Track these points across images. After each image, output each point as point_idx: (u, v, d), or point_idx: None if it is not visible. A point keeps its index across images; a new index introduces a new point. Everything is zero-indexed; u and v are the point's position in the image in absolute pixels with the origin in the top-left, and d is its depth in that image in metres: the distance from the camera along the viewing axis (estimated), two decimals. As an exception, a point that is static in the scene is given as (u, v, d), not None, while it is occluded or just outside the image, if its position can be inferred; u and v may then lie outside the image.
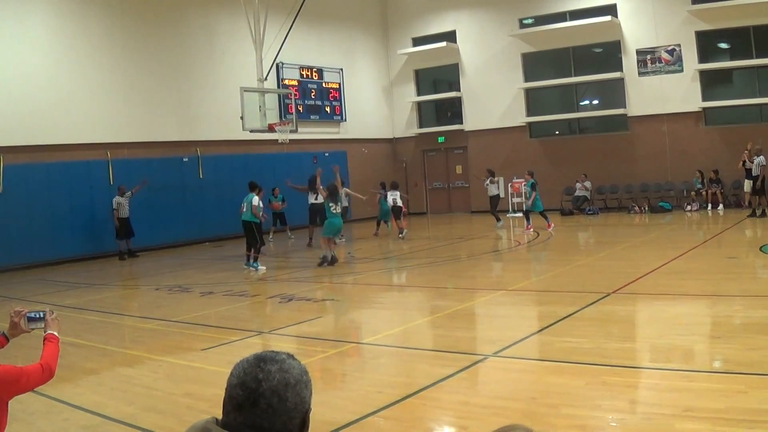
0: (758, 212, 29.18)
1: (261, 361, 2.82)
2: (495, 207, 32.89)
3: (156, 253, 30.05)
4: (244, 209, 22.61)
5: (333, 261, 23.00)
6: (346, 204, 29.59)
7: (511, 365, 10.76)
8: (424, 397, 9.17)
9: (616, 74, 37.24)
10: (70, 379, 10.83)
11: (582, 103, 40.05)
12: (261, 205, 23.00)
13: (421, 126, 44.67)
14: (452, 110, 43.62)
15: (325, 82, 40.19)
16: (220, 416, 2.82)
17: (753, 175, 29.77)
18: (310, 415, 2.87)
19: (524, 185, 32.04)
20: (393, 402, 8.93)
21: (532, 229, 29.75)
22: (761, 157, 29.50)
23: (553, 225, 29.40)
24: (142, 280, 23.47)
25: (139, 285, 22.42)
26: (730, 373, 9.20)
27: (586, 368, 9.89)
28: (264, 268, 22.43)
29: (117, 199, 28.42)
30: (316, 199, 29.64)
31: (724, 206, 33.43)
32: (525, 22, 40.16)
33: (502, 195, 34.48)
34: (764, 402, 7.90)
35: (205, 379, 10.41)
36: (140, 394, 9.96)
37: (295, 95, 33.96)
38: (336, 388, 10.14)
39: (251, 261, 22.65)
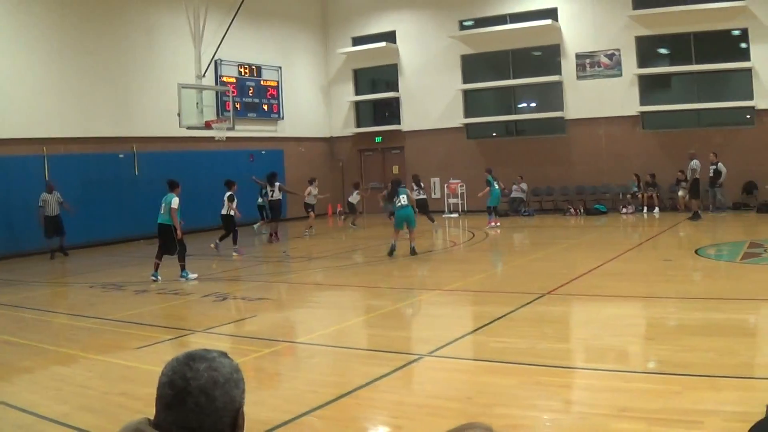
0: (693, 214, 29.56)
1: (191, 359, 2.79)
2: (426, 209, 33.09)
3: (90, 250, 29.75)
4: (162, 210, 20.80)
5: (392, 251, 23.61)
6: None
7: (446, 365, 10.83)
8: (359, 396, 9.21)
9: (555, 77, 37.52)
10: (3, 378, 10.77)
11: (520, 106, 40.28)
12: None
13: (358, 126, 44.73)
14: (390, 110, 43.68)
15: (263, 80, 40.08)
16: (153, 416, 2.81)
17: (688, 179, 30.23)
18: (243, 414, 2.85)
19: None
20: (328, 401, 8.94)
21: (497, 224, 30.82)
22: (695, 161, 29.89)
23: (493, 224, 30.60)
24: (76, 277, 23.27)
25: (73, 282, 22.20)
26: (665, 373, 9.34)
27: (520, 368, 9.98)
28: (195, 275, 21.01)
29: (44, 196, 27.75)
30: (272, 195, 29.74)
31: (659, 209, 33.79)
32: (465, 24, 40.35)
33: (436, 195, 34.70)
34: (699, 402, 8.02)
35: (139, 378, 10.34)
36: (74, 393, 9.88)
37: (233, 92, 33.87)
38: (270, 387, 10.12)
39: (157, 267, 20.86)
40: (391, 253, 23.57)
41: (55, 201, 27.78)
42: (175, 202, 20.34)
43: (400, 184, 24.55)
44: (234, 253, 25.95)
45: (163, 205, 20.69)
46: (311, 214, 32.44)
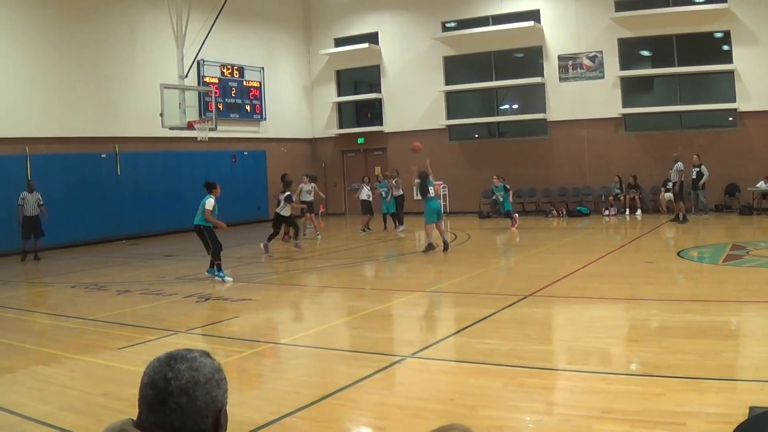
0: (680, 217, 29.56)
1: (171, 359, 2.80)
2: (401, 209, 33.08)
3: (72, 250, 29.61)
4: (199, 211, 20.38)
5: (430, 247, 23.93)
6: (311, 198, 29.91)
7: (429, 366, 10.82)
8: (342, 397, 9.20)
9: (537, 79, 37.59)
10: (-16, 378, 10.72)
11: (502, 107, 40.33)
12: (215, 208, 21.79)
13: (341, 127, 44.74)
14: (372, 111, 43.73)
15: (246, 81, 40.01)
16: (136, 416, 2.80)
17: (672, 181, 30.29)
18: (227, 414, 2.86)
19: (496, 188, 32.13)
20: (310, 402, 8.94)
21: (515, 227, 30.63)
22: (679, 163, 29.99)
23: (516, 224, 30.56)
24: (58, 277, 23.10)
25: (55, 282, 22.03)
26: (648, 375, 9.37)
27: (503, 370, 9.99)
28: (231, 279, 20.43)
29: (24, 194, 27.26)
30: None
31: (642, 211, 33.93)
32: (447, 25, 40.38)
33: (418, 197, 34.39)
34: (681, 404, 8.02)
35: (121, 378, 10.30)
36: (57, 393, 9.85)
37: (216, 93, 33.80)
38: (253, 388, 10.09)
39: (215, 269, 20.49)
40: (428, 249, 23.80)
41: (35, 201, 27.28)
42: (210, 203, 20.01)
43: (428, 176, 24.67)
44: (262, 245, 25.62)
45: (200, 206, 20.32)
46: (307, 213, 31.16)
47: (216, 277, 20.26)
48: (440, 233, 24.45)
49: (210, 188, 20.42)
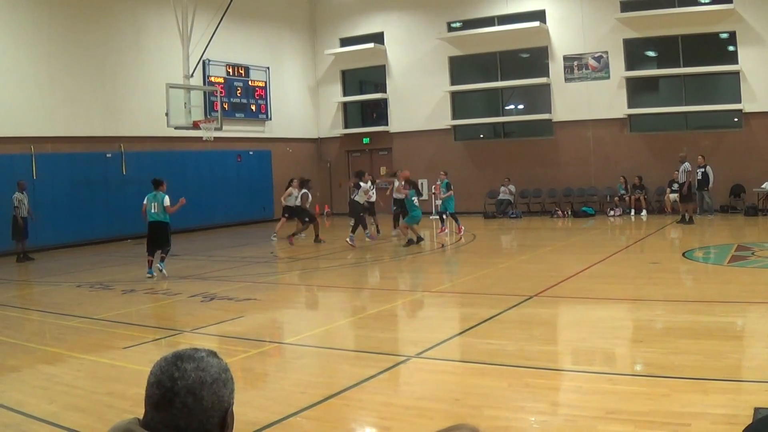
0: (686, 218, 29.51)
1: (178, 359, 2.78)
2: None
3: (77, 249, 29.61)
4: (154, 209, 20.82)
5: (419, 240, 26.43)
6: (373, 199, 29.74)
7: (434, 366, 10.83)
8: (347, 397, 9.21)
9: (543, 80, 37.56)
10: (-11, 376, 10.73)
11: (507, 108, 40.28)
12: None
13: (346, 127, 44.67)
14: (378, 111, 43.66)
15: (252, 80, 39.97)
16: (142, 415, 2.80)
17: (679, 182, 30.24)
18: (233, 414, 2.84)
19: (438, 183, 31.61)
20: (316, 402, 8.95)
21: (446, 231, 29.82)
22: (686, 163, 29.97)
23: (463, 229, 29.33)
24: (63, 276, 23.07)
25: (60, 281, 22.01)
26: (653, 376, 9.39)
27: (508, 370, 10.00)
28: (150, 276, 20.75)
29: (18, 195, 26.74)
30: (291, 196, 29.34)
31: (647, 212, 33.90)
32: (453, 25, 40.31)
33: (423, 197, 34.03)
34: (687, 405, 8.02)
35: (126, 377, 10.31)
36: (62, 393, 9.84)
37: (221, 93, 33.80)
38: (258, 388, 10.10)
39: (151, 264, 20.92)
40: (418, 242, 26.21)
41: (27, 202, 26.91)
42: (167, 199, 20.72)
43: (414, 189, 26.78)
44: (368, 239, 26.69)
45: (154, 203, 20.77)
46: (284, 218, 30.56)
47: (157, 266, 21.05)
48: (410, 232, 26.39)
49: (158, 185, 21.12)
